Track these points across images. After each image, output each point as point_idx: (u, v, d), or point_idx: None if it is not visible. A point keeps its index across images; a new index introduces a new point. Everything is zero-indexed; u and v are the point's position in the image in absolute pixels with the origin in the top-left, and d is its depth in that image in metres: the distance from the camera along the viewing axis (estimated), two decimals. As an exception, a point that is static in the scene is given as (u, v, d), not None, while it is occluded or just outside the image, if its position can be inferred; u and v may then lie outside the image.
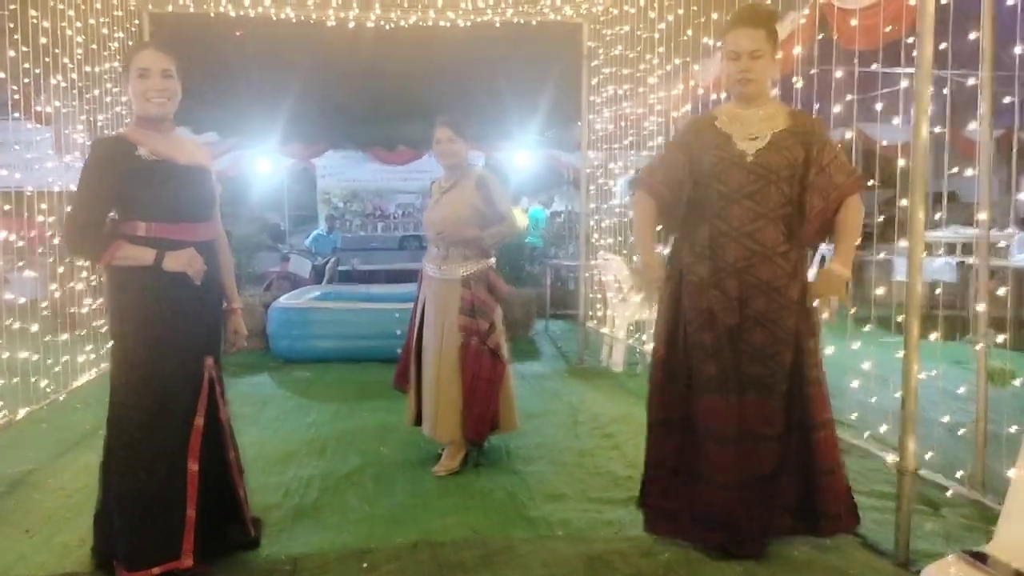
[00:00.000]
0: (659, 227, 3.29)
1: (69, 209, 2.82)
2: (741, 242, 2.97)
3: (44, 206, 4.56)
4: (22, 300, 4.46)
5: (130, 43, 6.11)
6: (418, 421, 4.30)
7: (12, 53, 4.15)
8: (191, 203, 2.83)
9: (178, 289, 2.75)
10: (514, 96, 9.28)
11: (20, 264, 4.40)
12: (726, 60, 3.01)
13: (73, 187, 2.90)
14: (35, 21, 4.37)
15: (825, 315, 3.08)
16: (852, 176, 2.99)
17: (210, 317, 2.95)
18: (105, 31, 5.53)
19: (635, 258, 4.34)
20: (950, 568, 2.04)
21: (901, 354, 3.11)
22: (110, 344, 2.85)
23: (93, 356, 5.46)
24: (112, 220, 2.77)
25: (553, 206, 14.99)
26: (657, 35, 5.61)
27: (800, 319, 3.01)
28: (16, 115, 4.35)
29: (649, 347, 6.78)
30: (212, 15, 6.31)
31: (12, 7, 4.07)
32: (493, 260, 4.24)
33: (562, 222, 13.81)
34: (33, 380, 4.62)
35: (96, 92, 5.35)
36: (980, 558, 2.04)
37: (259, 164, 13.11)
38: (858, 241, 3.06)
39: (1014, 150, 3.47)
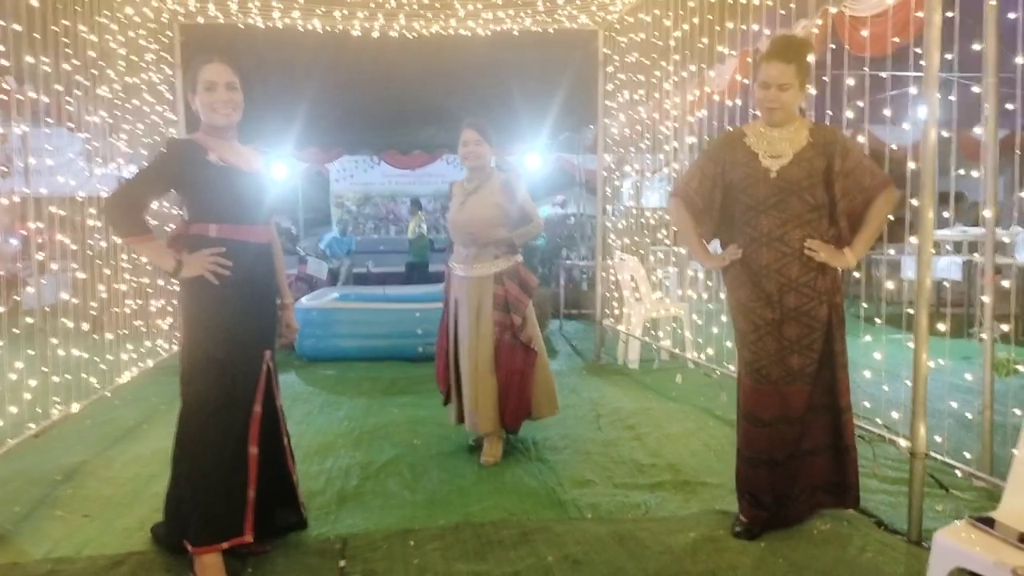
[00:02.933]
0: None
1: (123, 182, 3.05)
2: (772, 246, 3.25)
3: (92, 211, 4.80)
4: (75, 300, 4.69)
5: (163, 53, 6.35)
6: (461, 419, 4.45)
7: (67, 66, 4.37)
8: (253, 207, 3.05)
9: (242, 289, 2.97)
10: (527, 100, 9.48)
11: (74, 267, 4.63)
12: (758, 87, 3.27)
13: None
14: (84, 35, 4.60)
15: (820, 255, 3.26)
16: (877, 178, 3.22)
17: (268, 313, 3.18)
18: (142, 43, 5.76)
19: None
20: (960, 532, 2.24)
21: (911, 344, 3.32)
22: (179, 340, 3.07)
23: (135, 355, 5.69)
24: (182, 221, 2.99)
25: (567, 208, 15.14)
26: (672, 42, 5.81)
27: (832, 309, 3.27)
28: (70, 124, 4.57)
29: (665, 343, 7.00)
30: (241, 26, 6.53)
31: (65, 23, 4.29)
32: (520, 257, 4.43)
33: (572, 224, 14.00)
34: (83, 377, 4.84)
35: (135, 102, 5.58)
36: (987, 523, 2.24)
37: (274, 168, 13.34)
38: (877, 235, 3.30)
39: (1017, 152, 3.67)
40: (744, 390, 3.37)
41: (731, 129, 3.58)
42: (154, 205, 3.51)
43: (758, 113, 3.37)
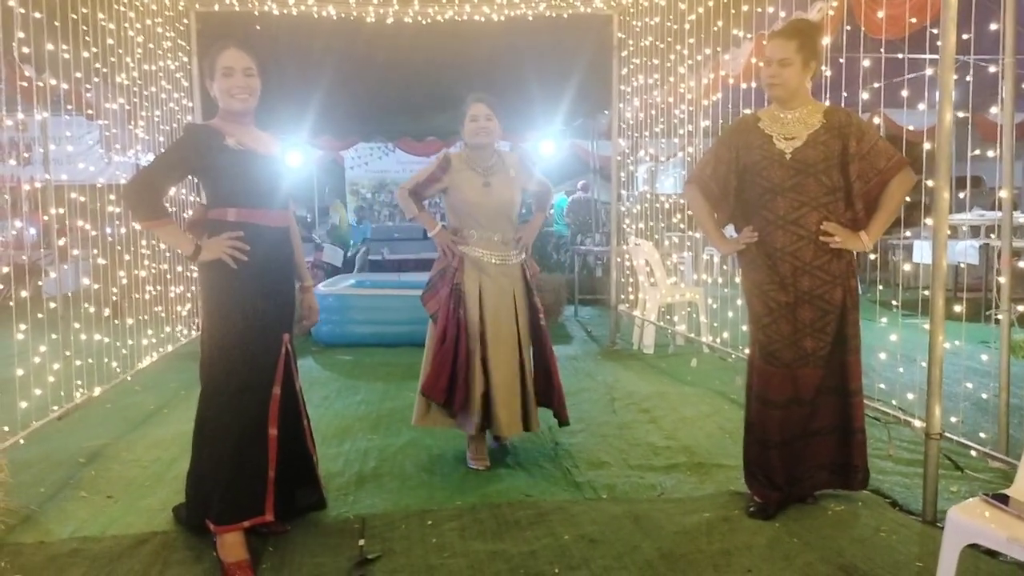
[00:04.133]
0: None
1: (142, 167, 3.07)
2: (787, 229, 3.26)
3: (112, 197, 4.86)
4: (96, 286, 4.75)
5: (180, 41, 6.40)
6: (486, 427, 4.02)
7: (86, 54, 4.42)
8: (271, 191, 3.08)
9: (260, 273, 3.01)
10: (541, 86, 9.45)
11: (95, 252, 4.69)
12: (763, 65, 3.32)
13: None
14: (103, 23, 4.65)
15: (836, 239, 3.27)
16: (892, 160, 3.22)
17: (287, 297, 3.20)
18: (160, 31, 5.80)
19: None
20: (974, 509, 2.26)
21: (927, 326, 3.32)
22: (200, 324, 3.12)
23: (155, 340, 5.76)
24: (200, 206, 3.03)
25: (577, 194, 15.14)
26: (687, 26, 5.79)
27: (847, 292, 3.28)
28: (89, 112, 4.62)
29: (680, 328, 7.01)
30: (256, 13, 6.55)
31: (84, 11, 4.33)
32: None
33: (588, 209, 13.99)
34: (105, 361, 4.91)
35: (152, 89, 5.63)
36: (1001, 500, 2.25)
37: (290, 156, 13.38)
38: (893, 218, 3.30)
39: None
40: (756, 372, 3.38)
41: (746, 114, 3.59)
42: (171, 191, 3.51)
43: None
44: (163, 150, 3.02)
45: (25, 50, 3.72)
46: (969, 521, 2.22)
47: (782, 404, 3.30)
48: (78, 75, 4.37)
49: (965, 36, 3.41)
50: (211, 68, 3.02)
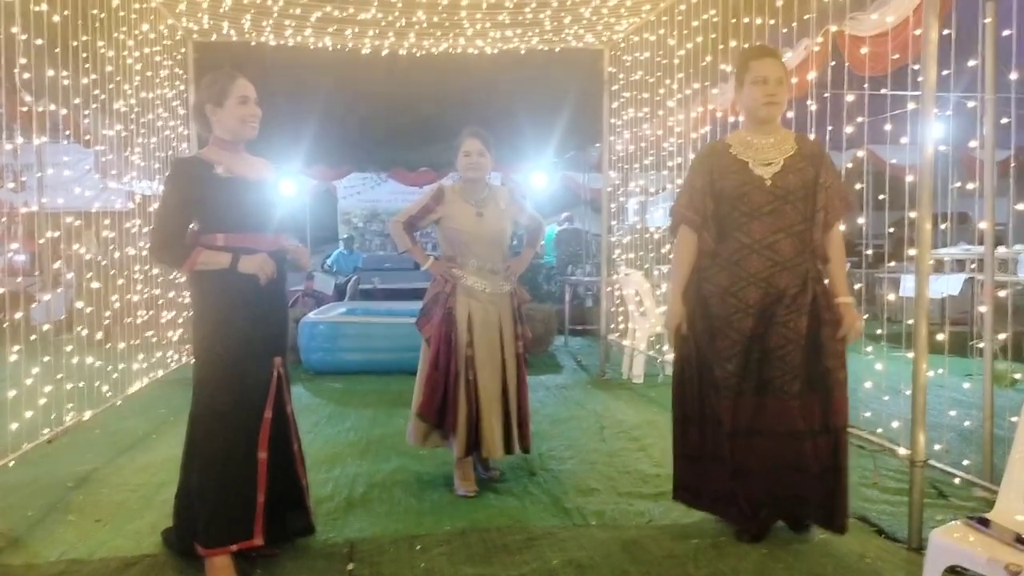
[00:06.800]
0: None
1: (154, 222, 3.12)
2: (763, 254, 3.25)
3: (107, 222, 4.90)
4: (89, 309, 4.77)
5: (176, 70, 6.48)
6: (472, 450, 4.07)
7: (84, 81, 4.49)
8: (262, 216, 3.12)
9: (253, 297, 3.04)
10: (533, 119, 9.57)
11: (89, 275, 4.72)
12: (751, 86, 3.26)
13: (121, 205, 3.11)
14: (102, 51, 4.72)
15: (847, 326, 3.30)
16: (843, 201, 3.30)
17: (279, 321, 3.24)
18: (157, 59, 5.89)
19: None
20: (955, 532, 2.30)
21: (912, 355, 3.37)
22: (192, 347, 3.14)
23: (145, 365, 5.76)
24: (192, 232, 3.07)
25: (564, 225, 15.23)
26: (677, 61, 5.91)
27: (820, 324, 3.24)
28: (87, 137, 4.68)
29: (670, 357, 7.05)
30: (253, 44, 6.65)
31: (84, 38, 4.40)
32: None
33: (578, 240, 14.06)
34: (96, 385, 4.92)
35: (149, 117, 5.70)
36: (983, 523, 2.29)
37: (283, 185, 13.43)
38: (847, 265, 3.36)
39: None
40: (720, 407, 3.29)
41: (713, 141, 3.62)
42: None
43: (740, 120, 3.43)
44: (161, 197, 3.06)
45: (26, 76, 3.78)
46: (950, 543, 2.26)
47: (745, 432, 3.26)
48: (76, 101, 4.43)
49: (945, 72, 3.50)
50: (220, 95, 3.04)
